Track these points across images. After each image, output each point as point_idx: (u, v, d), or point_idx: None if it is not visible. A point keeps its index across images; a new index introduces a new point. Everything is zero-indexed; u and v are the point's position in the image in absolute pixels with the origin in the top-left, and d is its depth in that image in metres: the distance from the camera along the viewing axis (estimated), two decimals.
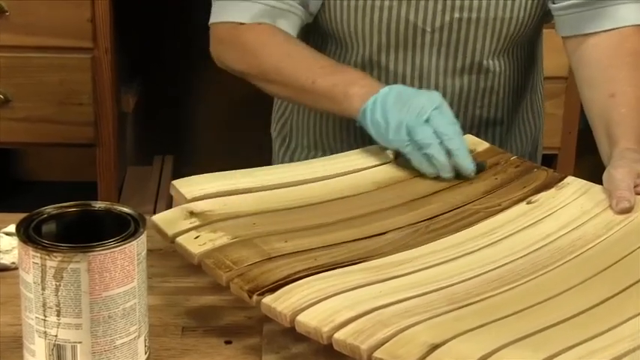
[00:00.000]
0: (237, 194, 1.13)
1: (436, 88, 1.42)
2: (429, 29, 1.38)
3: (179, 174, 1.19)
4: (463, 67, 1.41)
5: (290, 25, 1.38)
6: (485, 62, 1.42)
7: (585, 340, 0.88)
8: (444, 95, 1.42)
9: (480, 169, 1.22)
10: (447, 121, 1.22)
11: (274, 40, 1.37)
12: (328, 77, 1.30)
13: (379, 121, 1.24)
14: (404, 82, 1.42)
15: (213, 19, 1.41)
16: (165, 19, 2.78)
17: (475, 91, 1.44)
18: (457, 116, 1.44)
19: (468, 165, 1.21)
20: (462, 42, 1.39)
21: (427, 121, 1.21)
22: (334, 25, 1.40)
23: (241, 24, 1.37)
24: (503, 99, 1.47)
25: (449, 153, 1.20)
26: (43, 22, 2.23)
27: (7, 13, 2.21)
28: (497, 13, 1.37)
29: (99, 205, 0.93)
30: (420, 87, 1.42)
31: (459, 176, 1.21)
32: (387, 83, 1.42)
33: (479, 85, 1.44)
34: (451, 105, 1.43)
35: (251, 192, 1.14)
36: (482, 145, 1.30)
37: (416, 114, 1.21)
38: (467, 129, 1.46)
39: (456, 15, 1.37)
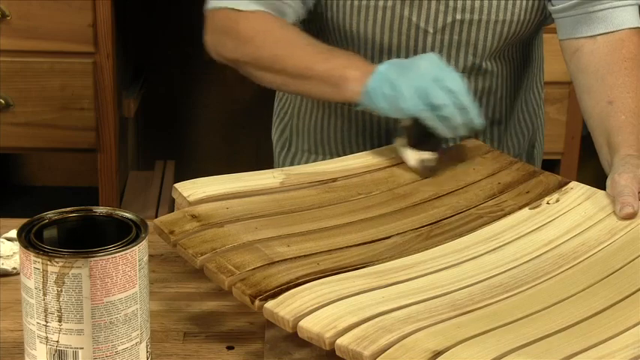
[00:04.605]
0: (239, 197, 1.13)
1: None
2: (430, 30, 1.38)
3: (181, 179, 1.18)
4: (464, 69, 1.42)
5: (285, 15, 1.37)
6: (483, 64, 1.42)
7: (589, 348, 0.88)
8: None
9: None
10: (452, 77, 1.22)
11: (270, 27, 1.35)
12: (324, 63, 1.29)
13: (390, 94, 1.23)
14: None
15: (210, 5, 1.39)
16: (167, 24, 2.78)
17: (474, 91, 1.44)
18: None
19: (478, 119, 1.23)
20: (463, 43, 1.39)
21: (435, 81, 1.22)
22: (337, 27, 1.40)
23: (237, 10, 1.35)
24: (501, 99, 1.48)
25: (461, 110, 1.21)
26: (44, 26, 2.23)
27: (9, 18, 2.20)
28: (497, 15, 1.37)
29: (100, 210, 0.93)
30: None
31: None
32: None
33: (477, 86, 1.44)
34: None
35: (253, 195, 1.14)
36: (486, 149, 1.30)
37: (425, 77, 1.22)
38: None
39: (458, 16, 1.37)
